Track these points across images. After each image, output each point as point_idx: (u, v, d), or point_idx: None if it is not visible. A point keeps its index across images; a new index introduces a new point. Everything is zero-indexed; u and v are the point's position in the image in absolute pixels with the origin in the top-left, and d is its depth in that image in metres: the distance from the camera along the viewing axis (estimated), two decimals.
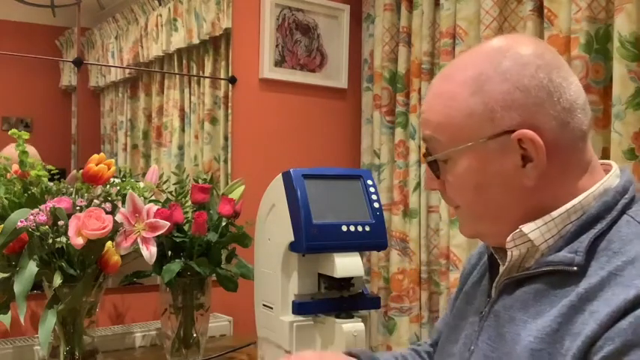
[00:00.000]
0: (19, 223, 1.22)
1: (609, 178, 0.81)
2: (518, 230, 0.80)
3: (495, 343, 0.81)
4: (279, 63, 2.10)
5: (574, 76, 0.82)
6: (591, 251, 0.76)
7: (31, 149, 1.34)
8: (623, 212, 0.78)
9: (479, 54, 0.83)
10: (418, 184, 2.04)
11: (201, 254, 1.47)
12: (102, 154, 1.36)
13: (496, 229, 0.83)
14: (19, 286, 1.22)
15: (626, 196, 0.79)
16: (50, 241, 1.23)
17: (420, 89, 2.03)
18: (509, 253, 0.81)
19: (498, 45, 0.82)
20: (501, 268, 0.85)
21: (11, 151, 1.35)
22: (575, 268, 0.75)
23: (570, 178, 0.80)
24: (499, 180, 0.81)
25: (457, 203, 0.87)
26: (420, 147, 2.03)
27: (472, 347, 0.85)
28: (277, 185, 1.39)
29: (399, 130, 2.10)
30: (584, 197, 0.79)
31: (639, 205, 0.80)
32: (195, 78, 1.96)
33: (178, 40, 1.92)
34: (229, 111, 2.00)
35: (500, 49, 0.81)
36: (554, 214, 0.79)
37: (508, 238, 0.81)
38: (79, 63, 1.73)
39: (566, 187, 0.80)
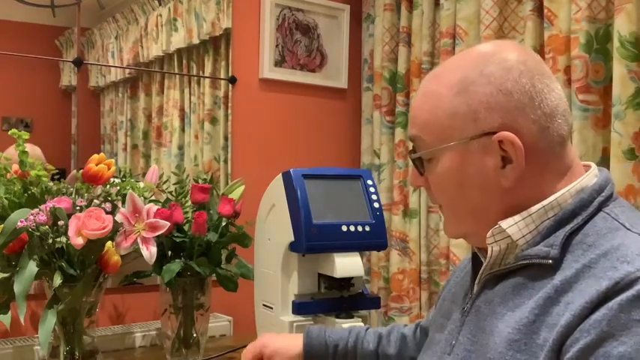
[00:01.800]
0: (19, 223, 1.22)
1: (586, 177, 0.83)
2: (497, 226, 0.82)
3: (475, 336, 0.83)
4: (279, 63, 2.10)
5: (556, 83, 0.85)
6: (567, 245, 0.78)
7: (35, 150, 1.33)
8: (599, 209, 0.81)
9: (466, 57, 0.86)
10: None
11: (201, 254, 1.47)
12: (102, 154, 1.36)
13: (477, 229, 0.86)
14: (19, 286, 1.22)
15: (603, 194, 0.82)
16: (50, 241, 1.23)
17: None
18: (489, 248, 0.84)
19: (485, 50, 0.86)
20: (483, 265, 0.88)
21: (12, 151, 1.35)
22: (550, 261, 0.77)
23: (547, 181, 0.83)
24: (478, 180, 0.83)
25: (440, 201, 0.91)
26: None
27: (453, 342, 0.87)
28: (277, 185, 1.39)
29: (399, 130, 2.10)
30: (561, 194, 0.81)
31: (616, 203, 0.82)
32: (195, 78, 1.96)
33: (178, 40, 1.92)
34: (229, 111, 2.00)
35: (487, 54, 0.84)
36: (532, 209, 0.81)
37: (488, 234, 0.83)
38: (79, 63, 1.73)
39: (543, 189, 0.82)
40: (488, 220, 0.83)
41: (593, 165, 0.87)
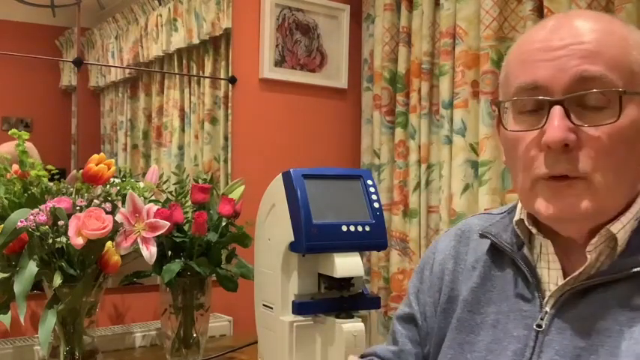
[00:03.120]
0: (19, 223, 1.22)
1: None
2: (604, 231, 0.73)
3: (566, 357, 0.73)
4: (279, 63, 2.10)
5: None
6: None
7: (33, 150, 1.33)
8: None
9: (613, 17, 0.81)
10: (418, 184, 2.04)
11: (201, 254, 1.47)
12: (102, 154, 1.36)
13: (617, 205, 0.74)
14: (19, 286, 1.22)
15: None
16: (50, 241, 1.23)
17: (420, 89, 2.03)
18: (588, 256, 0.74)
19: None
20: (552, 274, 0.79)
21: (6, 149, 1.35)
22: None
23: None
24: None
25: (588, 166, 0.71)
26: (420, 147, 2.03)
27: None
28: (277, 185, 1.39)
29: (399, 130, 2.10)
30: None
31: None
32: (195, 78, 1.96)
33: (178, 40, 1.92)
34: (229, 111, 2.00)
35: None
36: (633, 209, 0.74)
37: (593, 240, 0.74)
38: (79, 63, 1.73)
39: None
40: (627, 196, 0.74)
41: None
